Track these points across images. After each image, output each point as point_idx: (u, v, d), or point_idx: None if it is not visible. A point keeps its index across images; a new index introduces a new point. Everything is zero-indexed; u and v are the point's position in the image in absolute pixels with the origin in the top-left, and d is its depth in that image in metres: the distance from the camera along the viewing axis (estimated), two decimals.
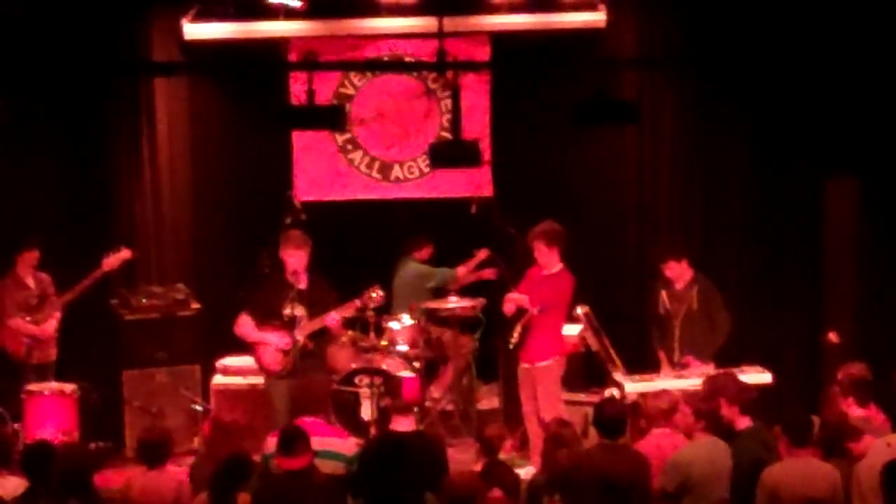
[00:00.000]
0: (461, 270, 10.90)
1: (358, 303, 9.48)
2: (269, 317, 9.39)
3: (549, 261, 9.51)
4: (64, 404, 9.59)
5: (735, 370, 8.77)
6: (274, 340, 9.37)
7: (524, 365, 9.55)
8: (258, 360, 9.53)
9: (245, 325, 9.47)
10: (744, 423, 7.61)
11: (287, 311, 9.33)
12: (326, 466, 7.49)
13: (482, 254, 10.78)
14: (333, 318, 9.36)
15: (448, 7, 10.13)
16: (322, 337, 9.58)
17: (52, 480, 6.86)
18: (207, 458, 7.62)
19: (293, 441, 7.03)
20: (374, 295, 9.48)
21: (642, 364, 9.84)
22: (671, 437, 7.73)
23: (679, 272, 9.68)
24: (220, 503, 6.77)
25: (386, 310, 10.46)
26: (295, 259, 9.32)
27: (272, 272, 9.59)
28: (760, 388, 8.72)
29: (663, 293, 9.72)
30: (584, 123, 8.96)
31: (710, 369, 9.25)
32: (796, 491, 6.97)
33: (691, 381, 9.12)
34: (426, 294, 10.79)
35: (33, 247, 9.96)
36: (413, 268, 10.84)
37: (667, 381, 9.24)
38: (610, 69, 10.05)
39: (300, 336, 9.32)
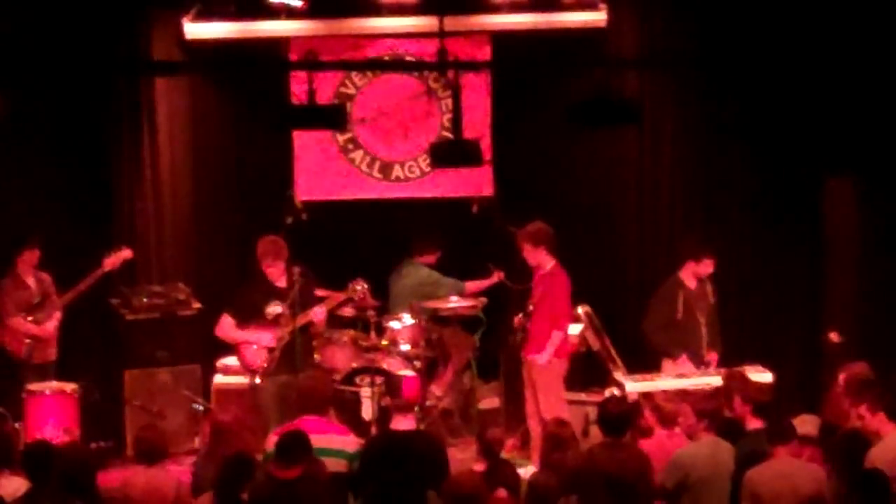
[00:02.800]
0: (470, 286, 10.82)
1: (341, 295, 9.48)
2: (253, 316, 9.40)
3: (538, 260, 9.55)
4: (65, 404, 9.59)
5: (737, 370, 8.79)
6: (260, 339, 9.38)
7: (525, 359, 9.58)
8: (242, 361, 9.55)
9: (226, 327, 9.48)
10: (754, 423, 7.60)
11: (270, 310, 9.35)
12: (329, 464, 7.48)
13: (498, 276, 10.68)
14: (318, 312, 9.37)
15: (449, 7, 10.13)
16: (307, 333, 9.58)
17: (53, 480, 6.85)
18: (209, 458, 7.61)
19: (289, 450, 6.99)
20: (357, 288, 9.49)
21: (643, 364, 9.84)
22: (674, 437, 7.74)
23: (708, 269, 9.68)
24: (226, 503, 6.77)
25: (383, 310, 10.46)
26: (274, 268, 9.37)
27: (257, 272, 9.59)
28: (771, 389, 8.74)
29: (681, 296, 9.70)
30: (584, 123, 8.96)
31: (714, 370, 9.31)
32: (777, 491, 6.96)
33: (692, 381, 9.15)
34: (428, 299, 10.76)
35: (34, 246, 9.95)
36: (423, 273, 10.77)
37: (667, 381, 9.25)
38: (611, 69, 10.04)
39: (285, 333, 9.33)
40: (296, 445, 7.02)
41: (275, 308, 9.35)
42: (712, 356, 9.64)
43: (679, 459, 7.34)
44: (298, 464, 6.91)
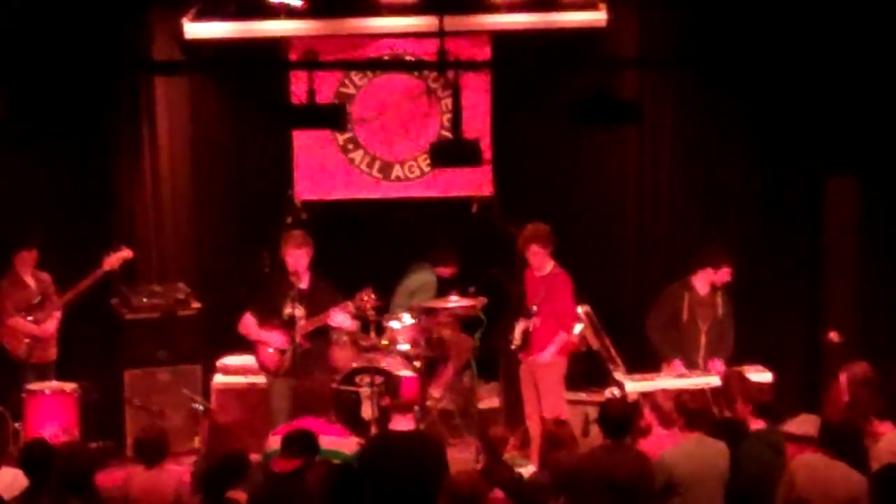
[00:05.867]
0: None
1: (350, 306, 9.47)
2: (270, 316, 9.39)
3: (544, 262, 9.55)
4: (65, 403, 9.60)
5: (735, 370, 8.79)
6: (272, 340, 9.37)
7: (526, 360, 9.57)
8: (258, 359, 9.55)
9: (248, 325, 9.49)
10: (757, 424, 7.59)
11: (287, 311, 9.34)
12: None
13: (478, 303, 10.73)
14: (342, 319, 9.33)
15: (449, 6, 10.13)
16: (322, 337, 9.58)
17: (52, 479, 6.86)
18: (207, 458, 7.63)
19: (287, 444, 7.05)
20: (365, 298, 9.48)
21: (642, 364, 9.83)
22: (674, 437, 7.73)
23: (726, 278, 9.66)
24: (212, 502, 6.77)
25: (385, 308, 10.46)
26: (294, 259, 9.32)
27: (274, 272, 9.59)
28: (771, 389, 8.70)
29: (687, 298, 9.70)
30: (584, 123, 8.96)
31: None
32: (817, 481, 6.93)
33: (691, 380, 9.15)
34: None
35: (31, 246, 9.96)
36: (430, 279, 10.81)
37: (667, 381, 9.25)
38: (610, 68, 10.04)
39: (298, 336, 9.32)
40: (300, 441, 7.06)
41: (290, 309, 9.33)
42: (714, 364, 9.56)
43: (662, 460, 7.32)
44: (298, 458, 6.92)
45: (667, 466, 7.27)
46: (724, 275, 9.68)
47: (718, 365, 9.51)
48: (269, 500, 6.90)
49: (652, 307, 9.84)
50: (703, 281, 9.71)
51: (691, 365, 9.55)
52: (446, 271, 10.93)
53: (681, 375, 9.37)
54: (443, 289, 10.88)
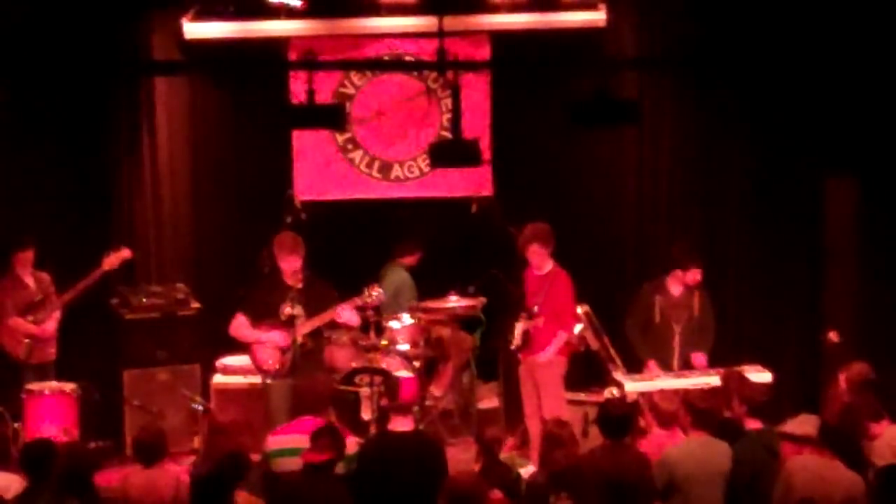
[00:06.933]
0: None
1: (358, 301, 9.47)
2: (266, 316, 9.38)
3: (544, 261, 9.55)
4: (64, 403, 9.60)
5: (735, 370, 8.77)
6: (273, 339, 9.36)
7: (526, 359, 9.57)
8: (254, 360, 9.51)
9: (240, 326, 9.45)
10: (752, 424, 7.57)
11: (286, 311, 9.33)
12: None
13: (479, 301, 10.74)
14: (348, 315, 9.34)
15: (448, 6, 10.13)
16: (320, 336, 9.58)
17: (52, 479, 6.87)
18: (206, 458, 7.63)
19: (317, 436, 7.12)
20: (373, 294, 9.48)
21: (642, 364, 9.83)
22: (672, 437, 7.73)
23: (696, 279, 9.66)
24: (215, 502, 6.78)
25: (383, 310, 10.46)
26: (289, 263, 9.32)
27: (271, 272, 9.58)
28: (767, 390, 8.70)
29: (658, 300, 9.69)
30: (583, 123, 8.96)
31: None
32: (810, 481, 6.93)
33: (691, 380, 9.14)
34: (409, 302, 10.78)
35: (28, 246, 9.96)
36: (404, 276, 10.84)
37: (667, 381, 9.25)
38: (610, 69, 10.03)
39: (299, 335, 9.32)
40: (331, 435, 7.12)
41: (289, 309, 9.33)
42: (697, 357, 9.56)
43: (664, 458, 7.32)
44: (329, 451, 6.97)
45: (669, 465, 7.26)
46: (693, 276, 9.64)
47: (700, 358, 9.51)
48: (298, 492, 6.93)
49: (628, 308, 9.85)
50: (675, 282, 9.70)
51: (665, 366, 9.56)
52: (412, 260, 10.94)
53: (679, 375, 9.37)
54: (429, 280, 10.86)
